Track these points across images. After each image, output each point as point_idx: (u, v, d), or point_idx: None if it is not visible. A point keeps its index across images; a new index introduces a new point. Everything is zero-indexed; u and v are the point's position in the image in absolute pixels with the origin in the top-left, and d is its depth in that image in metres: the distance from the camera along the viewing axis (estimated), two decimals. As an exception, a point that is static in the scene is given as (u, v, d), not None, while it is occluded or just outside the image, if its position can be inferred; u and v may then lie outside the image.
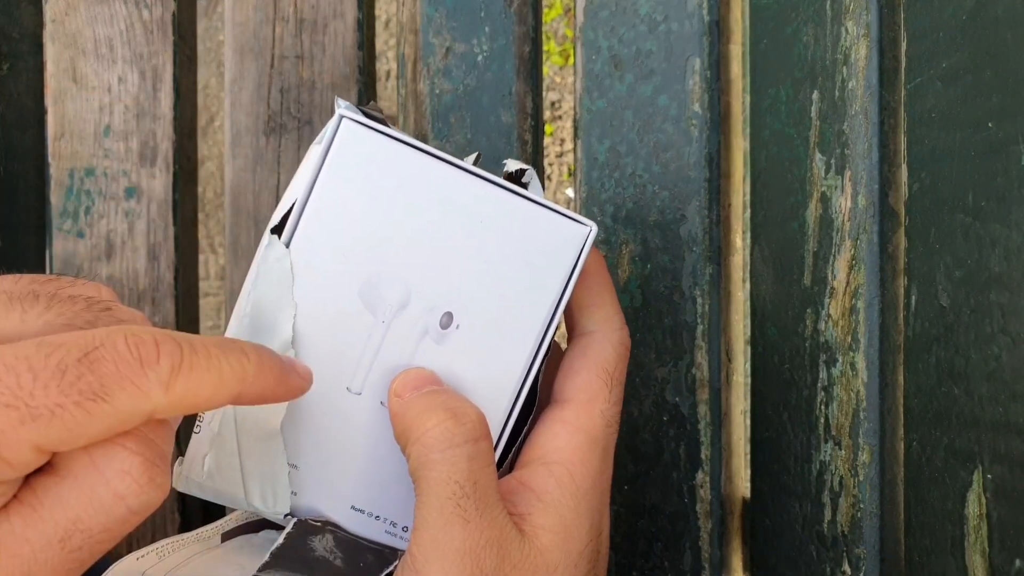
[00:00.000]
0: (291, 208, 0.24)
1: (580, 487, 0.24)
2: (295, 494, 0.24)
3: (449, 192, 0.23)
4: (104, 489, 0.16)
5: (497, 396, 0.24)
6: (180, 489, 0.24)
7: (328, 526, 0.24)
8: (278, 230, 0.24)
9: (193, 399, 0.17)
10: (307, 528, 0.24)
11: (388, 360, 0.24)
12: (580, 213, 0.36)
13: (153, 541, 0.38)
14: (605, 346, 0.25)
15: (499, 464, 0.25)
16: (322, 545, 0.24)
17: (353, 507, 0.24)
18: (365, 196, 0.23)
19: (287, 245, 0.24)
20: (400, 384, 0.23)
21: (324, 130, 0.24)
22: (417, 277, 0.24)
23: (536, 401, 0.25)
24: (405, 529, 0.25)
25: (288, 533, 0.23)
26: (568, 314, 0.26)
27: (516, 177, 0.26)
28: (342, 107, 0.23)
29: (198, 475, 0.24)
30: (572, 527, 0.23)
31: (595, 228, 0.24)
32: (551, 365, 0.26)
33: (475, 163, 0.26)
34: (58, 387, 0.15)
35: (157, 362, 0.16)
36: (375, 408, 0.24)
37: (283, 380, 0.20)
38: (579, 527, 0.23)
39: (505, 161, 0.26)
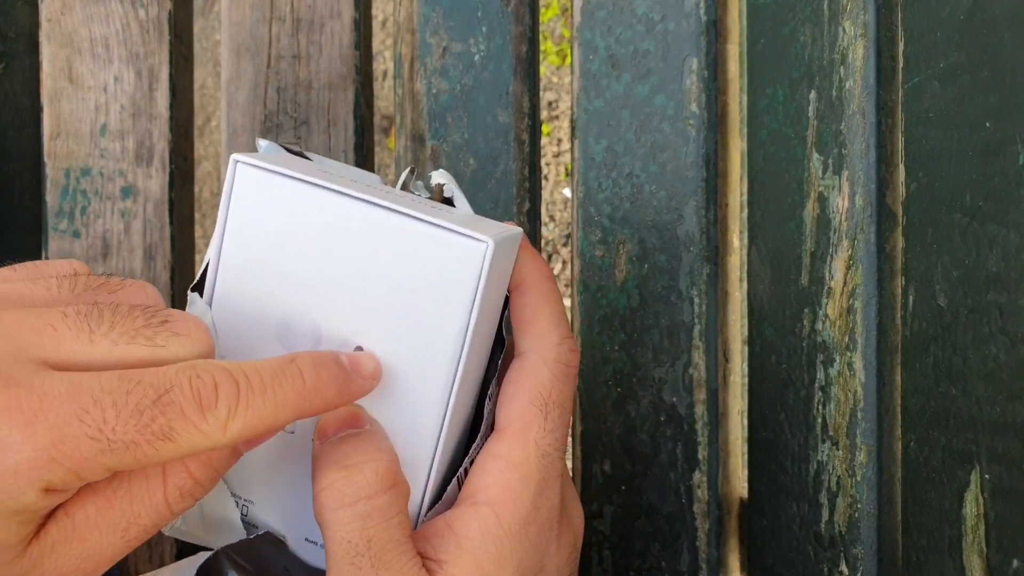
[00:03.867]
0: (208, 264, 0.24)
1: (507, 530, 0.23)
2: (256, 528, 0.25)
3: (348, 226, 0.23)
4: (161, 495, 0.19)
5: (419, 430, 0.23)
6: (166, 533, 0.25)
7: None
8: (198, 287, 0.24)
9: (252, 432, 0.19)
10: (274, 539, 0.24)
11: None
12: (578, 213, 0.36)
13: (150, 541, 0.37)
14: (539, 367, 0.24)
15: (438, 497, 0.24)
16: (284, 558, 0.24)
17: (307, 539, 0.25)
18: (271, 239, 0.23)
19: (210, 300, 0.24)
20: (322, 425, 0.23)
21: (225, 180, 0.23)
22: (326, 314, 0.23)
23: (484, 426, 0.25)
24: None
25: (258, 535, 0.24)
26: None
27: (440, 191, 0.25)
28: (245, 155, 0.23)
29: (175, 520, 0.24)
30: (490, 573, 0.22)
31: (492, 243, 0.22)
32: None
33: (407, 177, 0.26)
34: (136, 427, 0.18)
35: (215, 406, 0.18)
36: (307, 445, 0.24)
37: (345, 388, 0.21)
38: (499, 571, 0.22)
39: (431, 174, 0.25)
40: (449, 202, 0.26)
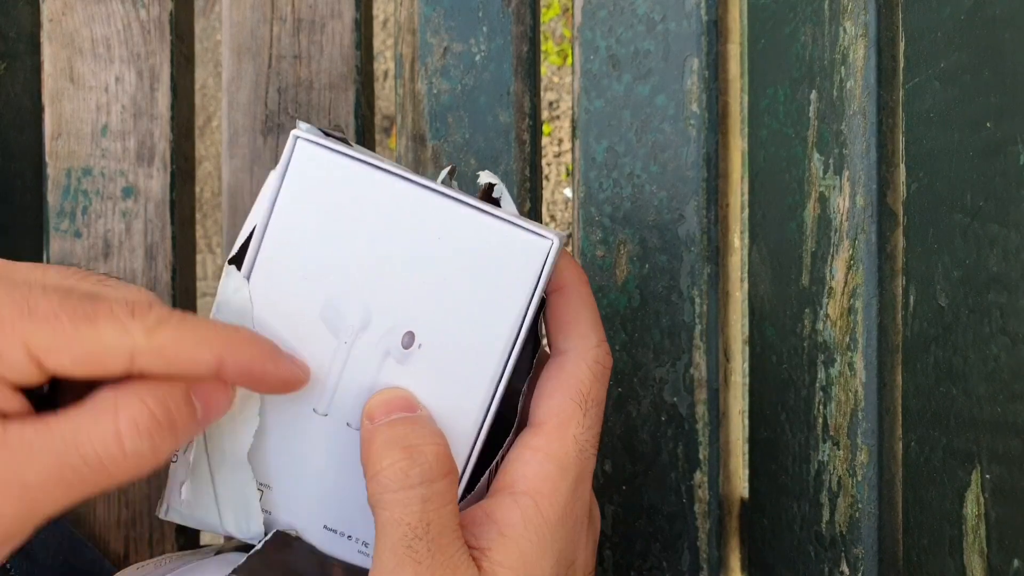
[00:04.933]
0: (250, 236, 0.23)
1: (547, 519, 0.23)
2: (269, 513, 0.24)
3: (408, 210, 0.23)
4: (110, 424, 0.19)
5: (462, 418, 0.24)
6: (162, 517, 0.24)
7: (302, 540, 0.24)
8: (237, 260, 0.24)
9: (175, 350, 0.19)
10: (284, 539, 0.24)
11: (352, 381, 0.24)
12: (579, 213, 0.36)
13: (152, 541, 0.37)
14: (580, 366, 0.24)
15: (469, 488, 0.25)
16: (296, 557, 0.24)
17: (325, 527, 0.24)
18: (324, 217, 0.23)
19: (248, 273, 0.23)
20: (371, 407, 0.23)
21: (283, 155, 0.23)
22: (378, 297, 0.23)
23: (517, 422, 0.25)
24: (364, 543, 0.25)
25: (266, 541, 0.24)
26: (547, 332, 0.26)
27: (487, 191, 0.25)
28: (301, 129, 0.23)
29: (177, 503, 0.24)
30: (533, 563, 0.22)
31: (558, 241, 0.23)
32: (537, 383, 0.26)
33: (450, 176, 0.26)
34: (60, 302, 0.18)
35: (146, 314, 0.19)
36: (342, 429, 0.24)
37: (275, 361, 0.21)
38: (542, 562, 0.23)
39: (479, 174, 0.26)
40: (496, 203, 0.26)
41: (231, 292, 0.24)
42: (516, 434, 0.25)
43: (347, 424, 0.24)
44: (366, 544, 0.24)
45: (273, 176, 0.23)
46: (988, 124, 0.22)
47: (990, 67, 0.22)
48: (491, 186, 0.25)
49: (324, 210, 0.23)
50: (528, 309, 0.23)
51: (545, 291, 0.25)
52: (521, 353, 0.25)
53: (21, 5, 0.41)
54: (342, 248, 0.23)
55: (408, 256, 0.23)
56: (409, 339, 0.23)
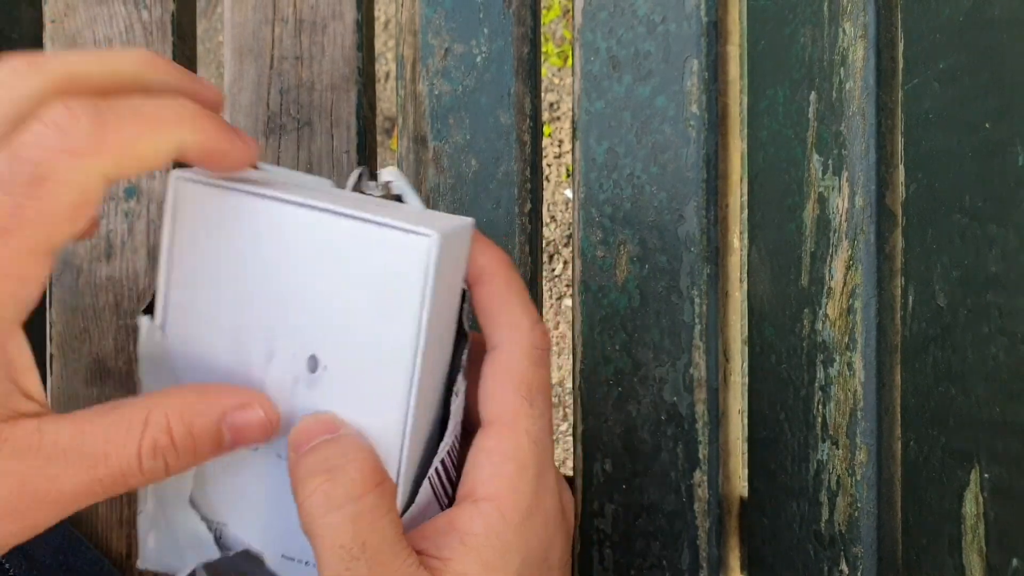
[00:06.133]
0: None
1: (510, 522, 0.22)
2: (229, 551, 0.24)
3: (290, 232, 0.22)
4: (135, 446, 0.19)
5: (385, 432, 0.23)
6: (141, 567, 0.25)
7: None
8: (150, 310, 0.24)
9: (135, 148, 0.18)
10: (252, 556, 0.24)
11: None
12: (579, 214, 0.36)
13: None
14: (516, 356, 0.23)
15: (412, 498, 0.24)
16: (261, 571, 0.24)
17: (283, 556, 0.24)
18: (218, 254, 0.23)
19: (163, 322, 0.23)
20: (294, 438, 0.22)
21: (167, 199, 0.23)
22: (277, 326, 0.23)
23: (454, 422, 0.25)
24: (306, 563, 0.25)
25: (236, 552, 0.24)
26: (480, 326, 0.25)
27: (388, 188, 0.25)
28: (181, 172, 0.23)
29: (148, 553, 0.25)
30: (497, 568, 0.22)
31: (437, 236, 0.22)
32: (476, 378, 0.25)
33: (360, 179, 0.25)
34: (12, 189, 0.16)
35: (76, 124, 0.17)
36: (274, 462, 0.24)
37: (229, 135, 0.20)
38: (506, 567, 0.22)
39: (379, 171, 0.25)
40: (399, 199, 0.25)
41: (150, 345, 0.23)
42: (454, 436, 0.25)
43: (278, 456, 0.24)
44: None
45: (164, 220, 0.23)
46: (987, 125, 0.22)
47: (989, 68, 0.22)
48: (389, 183, 0.25)
49: (217, 246, 0.23)
50: (423, 311, 0.22)
51: (467, 282, 0.24)
52: (454, 351, 0.24)
53: (23, 6, 0.41)
54: (238, 282, 0.23)
55: (299, 279, 0.22)
56: (313, 363, 0.23)
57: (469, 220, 0.24)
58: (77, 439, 0.19)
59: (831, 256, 0.29)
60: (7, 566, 0.33)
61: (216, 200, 0.23)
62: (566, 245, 1.06)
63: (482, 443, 0.23)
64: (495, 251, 0.24)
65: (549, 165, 1.07)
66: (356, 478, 0.21)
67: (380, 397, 0.23)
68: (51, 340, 0.38)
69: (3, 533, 0.18)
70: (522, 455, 0.23)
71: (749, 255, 0.34)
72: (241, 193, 0.22)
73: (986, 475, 0.22)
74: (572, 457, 0.36)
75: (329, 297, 0.22)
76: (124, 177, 0.19)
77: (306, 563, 0.25)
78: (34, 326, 0.21)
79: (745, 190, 0.35)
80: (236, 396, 0.22)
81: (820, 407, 0.29)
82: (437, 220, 0.23)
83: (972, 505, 0.23)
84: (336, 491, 0.21)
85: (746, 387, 0.34)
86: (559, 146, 1.06)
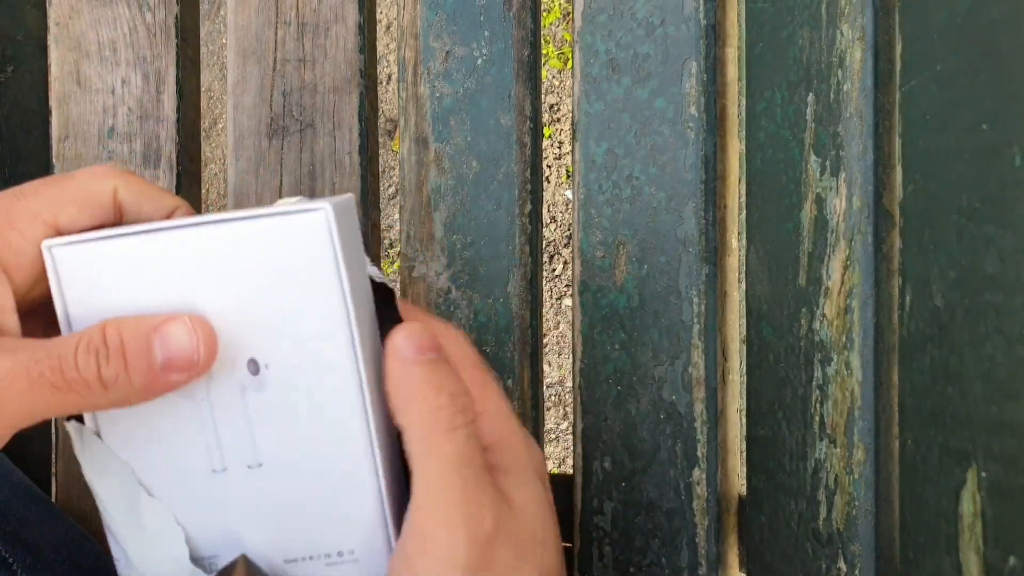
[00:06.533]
0: None
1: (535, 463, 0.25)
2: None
3: (182, 255, 0.22)
4: (74, 340, 0.22)
5: (347, 406, 0.24)
6: None
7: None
8: (76, 417, 0.24)
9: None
10: (252, 565, 0.25)
11: (229, 429, 0.24)
12: (579, 215, 0.36)
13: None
14: (420, 426, 0.24)
15: (402, 496, 0.25)
16: None
17: (286, 560, 0.25)
18: (116, 304, 0.23)
19: (95, 428, 0.24)
20: (398, 344, 0.23)
21: (48, 273, 0.23)
22: None
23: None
24: (340, 553, 0.25)
25: (238, 559, 0.24)
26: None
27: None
28: (51, 240, 0.23)
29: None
30: (547, 502, 0.24)
31: (328, 206, 0.22)
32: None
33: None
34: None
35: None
36: (246, 472, 0.24)
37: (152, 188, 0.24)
38: (551, 506, 0.24)
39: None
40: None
41: (89, 453, 0.24)
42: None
43: (248, 467, 0.24)
44: (328, 555, 0.25)
45: (53, 294, 0.23)
46: (984, 126, 0.22)
47: (987, 70, 0.22)
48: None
49: (114, 298, 0.23)
50: (343, 277, 0.23)
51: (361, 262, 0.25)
52: (369, 325, 0.24)
53: (28, 9, 0.41)
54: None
55: (209, 297, 0.23)
56: (254, 366, 0.23)
57: (349, 195, 0.25)
58: (28, 341, 0.21)
59: (829, 256, 0.29)
60: (11, 561, 0.33)
61: (98, 253, 0.23)
62: (566, 245, 1.06)
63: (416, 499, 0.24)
64: (413, 338, 0.25)
65: (549, 166, 1.07)
66: (470, 406, 0.24)
67: (330, 370, 0.23)
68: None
69: None
70: (449, 490, 0.23)
71: (747, 255, 0.34)
72: (119, 238, 0.23)
73: (983, 474, 0.22)
74: (572, 455, 0.36)
75: (247, 301, 0.23)
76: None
77: (310, 558, 0.25)
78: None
79: (743, 191, 0.35)
80: (169, 316, 0.23)
81: (818, 406, 0.29)
82: (318, 200, 0.23)
83: (969, 504, 0.23)
84: (458, 417, 0.23)
85: (744, 386, 0.35)
86: (559, 147, 1.06)
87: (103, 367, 0.21)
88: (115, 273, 0.23)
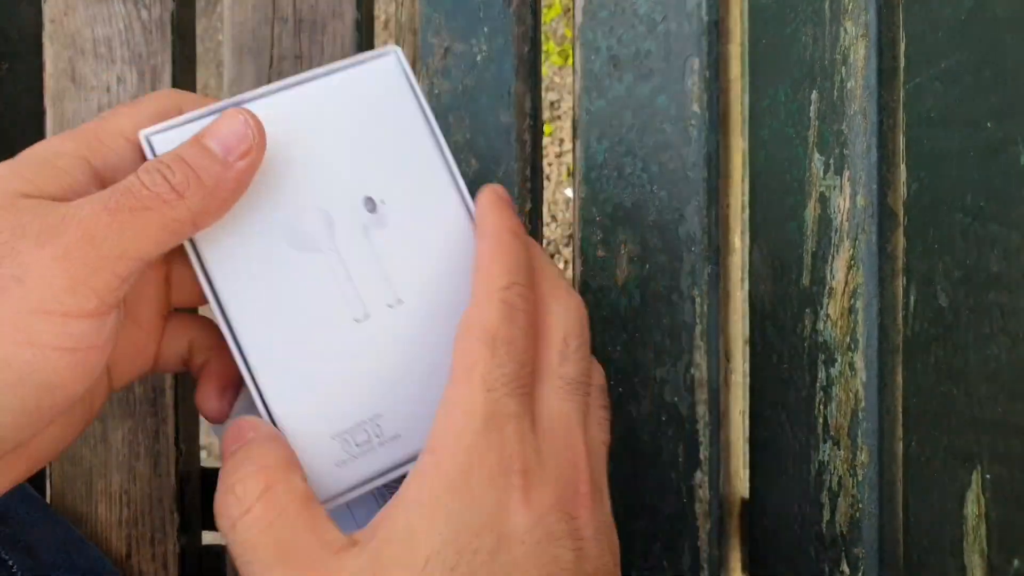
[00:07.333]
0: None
1: (445, 476, 0.20)
2: (400, 436, 0.24)
3: (274, 118, 0.23)
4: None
5: (456, 224, 0.25)
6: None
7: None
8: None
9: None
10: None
11: (364, 273, 0.24)
12: (579, 213, 0.36)
13: (154, 541, 0.38)
14: (485, 306, 0.22)
15: None
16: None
17: (422, 402, 0.24)
18: None
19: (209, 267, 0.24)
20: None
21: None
22: (318, 196, 0.24)
23: None
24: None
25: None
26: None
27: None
28: (147, 131, 0.24)
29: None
30: (421, 532, 0.20)
31: (394, 50, 0.25)
32: None
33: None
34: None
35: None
36: (389, 313, 0.24)
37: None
38: (430, 529, 0.20)
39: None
40: None
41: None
42: None
43: (388, 306, 0.24)
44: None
45: None
46: (989, 124, 0.22)
47: (991, 67, 0.22)
48: None
49: None
50: (427, 120, 0.25)
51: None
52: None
53: (23, 5, 0.41)
54: (261, 191, 0.24)
55: (309, 155, 0.24)
56: (371, 203, 0.24)
57: (395, 47, 0.27)
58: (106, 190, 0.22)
59: (832, 256, 0.29)
60: (11, 563, 0.33)
61: (193, 131, 0.23)
62: (566, 245, 1.06)
63: (443, 395, 0.22)
64: (499, 215, 0.24)
65: (550, 164, 1.07)
66: (242, 494, 0.21)
67: (440, 199, 0.25)
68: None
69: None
70: (470, 402, 0.21)
71: (750, 255, 0.34)
72: (211, 115, 0.24)
73: (988, 476, 0.22)
74: (572, 457, 0.36)
75: (345, 147, 0.24)
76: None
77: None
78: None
79: (746, 189, 0.34)
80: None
81: (821, 407, 0.29)
82: (377, 50, 0.26)
83: (974, 506, 0.23)
84: (231, 508, 0.21)
85: (747, 387, 0.34)
86: (560, 145, 1.06)
87: (169, 176, 0.21)
88: None
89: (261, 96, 0.24)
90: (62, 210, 0.21)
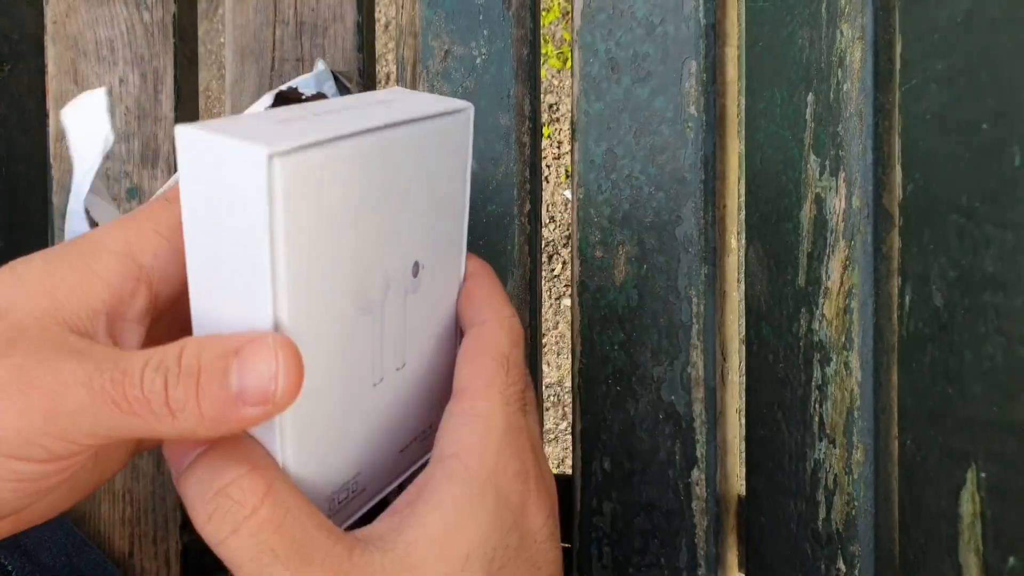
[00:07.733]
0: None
1: (475, 476, 0.22)
2: (365, 489, 0.24)
3: (361, 167, 0.20)
4: (142, 358, 0.19)
5: (458, 290, 0.25)
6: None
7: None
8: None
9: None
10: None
11: (393, 336, 0.23)
12: (578, 215, 0.36)
13: (156, 539, 0.38)
14: (498, 333, 0.24)
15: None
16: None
17: (400, 451, 0.25)
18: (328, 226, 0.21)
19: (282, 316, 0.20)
20: (170, 456, 0.21)
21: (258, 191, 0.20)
22: (384, 258, 0.22)
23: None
24: (425, 430, 0.26)
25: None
26: (458, 312, 0.26)
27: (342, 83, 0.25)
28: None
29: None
30: (456, 527, 0.21)
31: (469, 106, 0.23)
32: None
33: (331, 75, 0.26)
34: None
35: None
36: (395, 375, 0.24)
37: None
38: (465, 523, 0.21)
39: (317, 60, 0.25)
40: (346, 89, 0.26)
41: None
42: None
43: (396, 370, 0.24)
44: (425, 429, 0.26)
45: (260, 206, 0.19)
46: (984, 126, 0.22)
47: (987, 69, 0.22)
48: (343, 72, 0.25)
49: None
50: (467, 181, 0.25)
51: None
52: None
53: (25, 7, 0.41)
54: (346, 237, 0.20)
55: (384, 209, 0.21)
56: (416, 268, 0.23)
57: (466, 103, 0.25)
58: (103, 349, 0.19)
59: (828, 256, 0.29)
60: (9, 568, 0.33)
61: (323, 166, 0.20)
62: (565, 245, 1.06)
63: (454, 407, 0.23)
64: (478, 258, 0.27)
65: (548, 166, 1.07)
66: (241, 497, 0.19)
67: (455, 256, 0.25)
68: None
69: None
70: (492, 415, 0.23)
71: (746, 255, 0.34)
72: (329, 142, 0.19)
73: (983, 474, 0.22)
74: (571, 456, 0.36)
75: (408, 209, 0.22)
76: None
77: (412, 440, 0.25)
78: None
79: (743, 191, 0.35)
80: (253, 337, 0.19)
81: (817, 406, 0.29)
82: (441, 100, 0.23)
83: (969, 504, 0.23)
84: (229, 513, 0.19)
85: (743, 386, 0.35)
86: (558, 147, 1.06)
87: (171, 388, 0.18)
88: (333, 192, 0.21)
89: (349, 135, 0.19)
90: (48, 364, 0.18)
